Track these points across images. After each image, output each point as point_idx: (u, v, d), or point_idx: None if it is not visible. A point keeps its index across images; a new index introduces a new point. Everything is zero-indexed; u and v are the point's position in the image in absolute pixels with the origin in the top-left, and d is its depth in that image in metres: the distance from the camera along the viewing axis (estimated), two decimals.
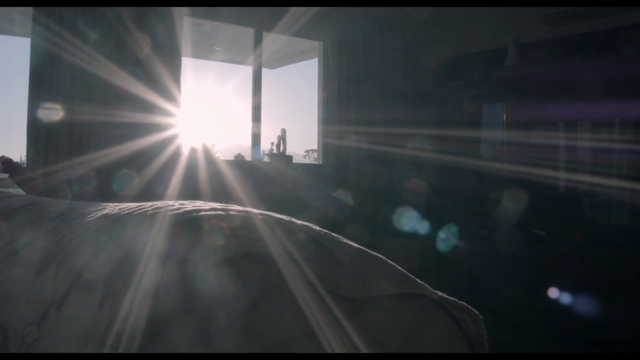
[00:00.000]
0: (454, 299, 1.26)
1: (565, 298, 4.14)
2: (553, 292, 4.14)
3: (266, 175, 4.66)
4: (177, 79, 4.40)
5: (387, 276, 1.16)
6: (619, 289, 3.93)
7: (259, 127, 5.00)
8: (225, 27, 5.09)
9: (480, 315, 1.27)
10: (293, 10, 4.99)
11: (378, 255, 1.24)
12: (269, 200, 4.25)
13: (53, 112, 3.91)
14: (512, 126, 5.17)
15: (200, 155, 4.43)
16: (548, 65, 4.86)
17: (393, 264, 1.23)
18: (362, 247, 1.24)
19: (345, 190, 5.09)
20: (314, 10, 4.94)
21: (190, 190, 4.09)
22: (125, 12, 4.11)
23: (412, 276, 1.23)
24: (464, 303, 1.27)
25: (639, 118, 4.33)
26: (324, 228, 1.26)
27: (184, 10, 4.50)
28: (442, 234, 4.63)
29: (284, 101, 5.82)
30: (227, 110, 5.30)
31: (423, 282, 1.24)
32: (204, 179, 4.24)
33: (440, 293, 1.23)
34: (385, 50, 5.48)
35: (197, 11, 4.56)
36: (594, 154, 4.65)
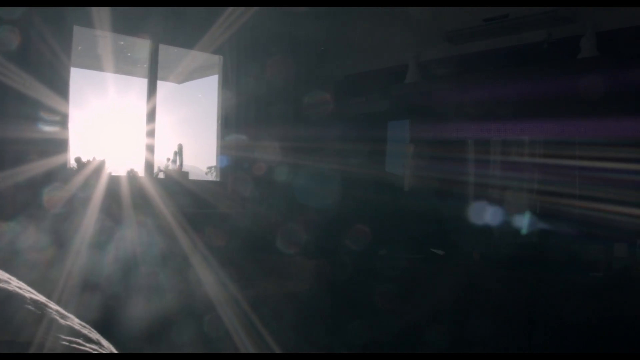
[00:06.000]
0: None
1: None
2: None
3: (159, 192, 4.69)
4: (65, 90, 4.41)
5: None
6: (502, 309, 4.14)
7: (153, 141, 5.04)
8: (123, 39, 5.12)
9: None
10: (191, 22, 5.08)
11: None
12: (155, 217, 4.34)
13: None
14: (417, 143, 5.36)
15: (87, 171, 4.43)
16: (449, 83, 5.07)
17: None
18: None
19: (240, 206, 5.20)
20: (214, 23, 5.04)
21: (71, 208, 4.11)
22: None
23: None
24: None
25: (548, 137, 4.57)
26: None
27: (75, 18, 4.50)
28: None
29: (190, 116, 5.86)
30: (127, 124, 5.30)
31: None
32: (88, 195, 4.25)
33: None
34: (287, 65, 5.61)
35: (91, 21, 4.56)
36: (502, 173, 4.86)
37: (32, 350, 1.05)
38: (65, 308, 1.25)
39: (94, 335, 1.19)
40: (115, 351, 1.21)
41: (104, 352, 1.15)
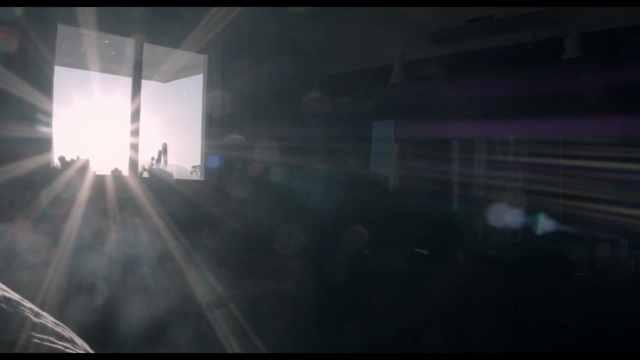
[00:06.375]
0: None
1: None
2: None
3: (143, 191, 4.67)
4: (49, 88, 4.38)
5: None
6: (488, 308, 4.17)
7: (137, 141, 5.02)
8: (107, 37, 5.10)
9: None
10: (176, 21, 5.07)
11: None
12: (140, 217, 4.33)
13: None
14: (402, 143, 5.38)
15: (71, 170, 4.41)
16: (433, 83, 5.09)
17: None
18: None
19: (225, 205, 5.20)
20: (199, 22, 5.04)
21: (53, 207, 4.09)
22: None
23: None
24: None
25: (532, 136, 4.59)
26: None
27: (59, 17, 4.48)
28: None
29: (175, 115, 5.84)
30: (112, 123, 5.28)
31: None
32: (73, 194, 4.23)
33: None
34: (272, 65, 5.62)
35: (75, 20, 4.53)
36: (486, 172, 4.88)
37: (8, 348, 1.06)
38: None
39: (68, 333, 1.19)
40: (89, 349, 1.21)
41: (77, 350, 1.15)
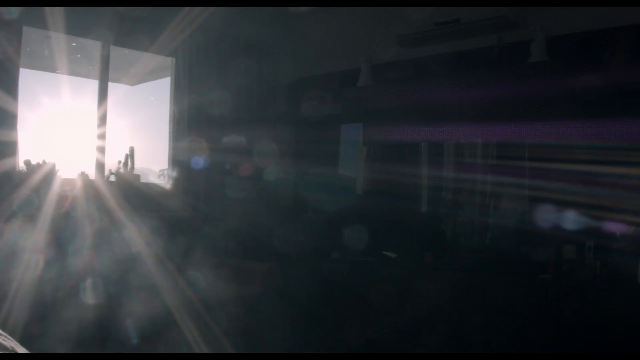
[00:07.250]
0: None
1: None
2: None
3: (110, 195, 4.64)
4: (15, 90, 4.33)
5: None
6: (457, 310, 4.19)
7: (104, 144, 4.97)
8: (75, 40, 5.04)
9: None
10: (144, 24, 5.04)
11: None
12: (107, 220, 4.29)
13: None
14: (370, 146, 5.39)
15: (37, 174, 4.36)
16: (401, 86, 5.11)
17: None
18: None
19: (193, 209, 5.17)
20: (167, 25, 5.02)
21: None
22: None
23: None
24: None
25: (499, 139, 4.63)
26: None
27: (24, 18, 4.42)
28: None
29: (143, 118, 5.79)
30: (79, 126, 5.22)
31: None
32: (38, 198, 4.19)
33: None
34: (239, 68, 5.60)
35: (42, 22, 4.48)
36: (454, 175, 4.91)
37: None
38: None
39: (9, 342, 1.19)
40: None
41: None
